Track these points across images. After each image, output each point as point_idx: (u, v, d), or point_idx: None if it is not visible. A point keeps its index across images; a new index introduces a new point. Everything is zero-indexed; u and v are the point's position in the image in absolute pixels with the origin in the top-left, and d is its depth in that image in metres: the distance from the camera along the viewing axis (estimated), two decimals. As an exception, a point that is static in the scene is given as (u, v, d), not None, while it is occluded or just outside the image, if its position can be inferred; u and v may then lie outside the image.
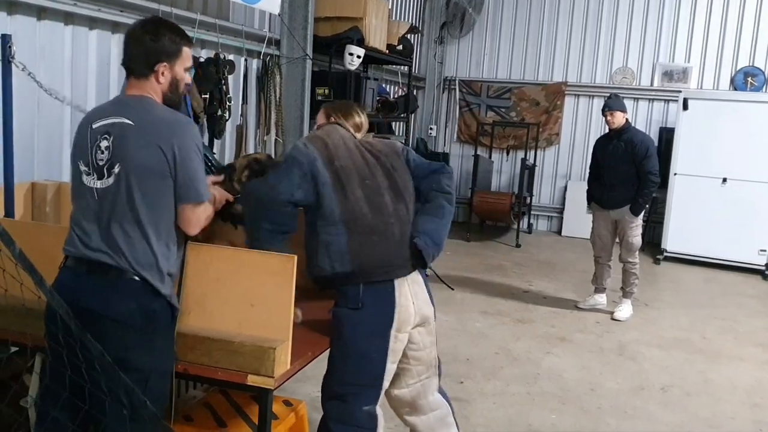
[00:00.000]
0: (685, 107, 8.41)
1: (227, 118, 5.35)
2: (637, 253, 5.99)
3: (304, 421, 3.06)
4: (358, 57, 6.35)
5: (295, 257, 2.36)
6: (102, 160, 2.23)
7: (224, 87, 5.20)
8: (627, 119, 5.92)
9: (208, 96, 5.02)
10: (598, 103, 9.12)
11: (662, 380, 4.69)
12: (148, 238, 2.22)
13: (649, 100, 9.83)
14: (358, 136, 2.88)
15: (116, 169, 2.21)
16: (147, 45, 2.28)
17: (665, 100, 9.66)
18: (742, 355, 5.30)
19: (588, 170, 6.37)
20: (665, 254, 8.65)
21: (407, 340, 2.68)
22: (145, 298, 2.21)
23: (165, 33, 2.30)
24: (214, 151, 5.38)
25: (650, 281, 7.75)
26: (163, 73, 2.29)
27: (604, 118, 5.93)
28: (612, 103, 5.86)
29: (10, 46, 3.22)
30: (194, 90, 4.85)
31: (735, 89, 9.26)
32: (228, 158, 5.74)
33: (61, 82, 4.07)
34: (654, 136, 9.74)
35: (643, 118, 9.82)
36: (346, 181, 2.63)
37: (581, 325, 5.84)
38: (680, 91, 8.75)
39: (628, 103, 9.74)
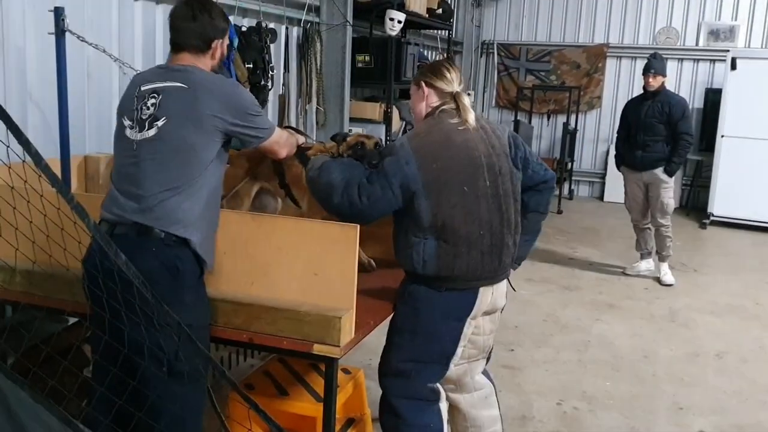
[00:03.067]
0: (734, 67, 8.15)
1: (270, 87, 5.34)
2: (669, 216, 5.88)
3: (363, 389, 3.07)
4: (399, 22, 6.25)
5: (357, 227, 2.34)
6: (147, 114, 2.30)
7: (267, 56, 5.17)
8: (664, 82, 5.82)
9: (251, 65, 4.99)
10: (641, 65, 8.85)
11: (717, 347, 4.61)
12: (181, 193, 2.26)
13: (694, 60, 9.55)
14: (452, 88, 2.61)
15: (160, 123, 2.28)
16: (206, 23, 2.40)
17: (711, 60, 9.37)
18: (798, 321, 5.19)
19: (616, 133, 6.26)
20: (711, 218, 8.46)
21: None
22: (169, 255, 2.24)
23: (217, 12, 2.46)
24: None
25: (697, 246, 7.61)
26: (217, 48, 2.45)
27: (644, 78, 5.80)
28: (658, 66, 5.74)
29: (63, 18, 3.23)
30: (238, 59, 4.83)
31: (787, 47, 8.94)
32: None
33: (109, 52, 4.08)
34: (699, 97, 9.51)
35: (687, 79, 9.56)
36: (442, 187, 2.49)
37: (629, 291, 5.76)
38: (728, 51, 8.48)
39: (672, 64, 9.58)
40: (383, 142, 2.88)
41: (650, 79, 5.73)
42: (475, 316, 2.61)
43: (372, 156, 2.66)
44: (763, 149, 8.11)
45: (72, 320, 3.56)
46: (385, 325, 2.67)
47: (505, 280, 2.71)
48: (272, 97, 5.62)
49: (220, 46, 2.47)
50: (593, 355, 4.39)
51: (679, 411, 3.69)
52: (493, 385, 2.90)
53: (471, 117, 2.58)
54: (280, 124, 5.82)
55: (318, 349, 2.30)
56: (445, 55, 8.49)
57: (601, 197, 9.99)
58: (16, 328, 3.29)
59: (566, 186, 9.90)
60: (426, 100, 2.65)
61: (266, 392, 2.82)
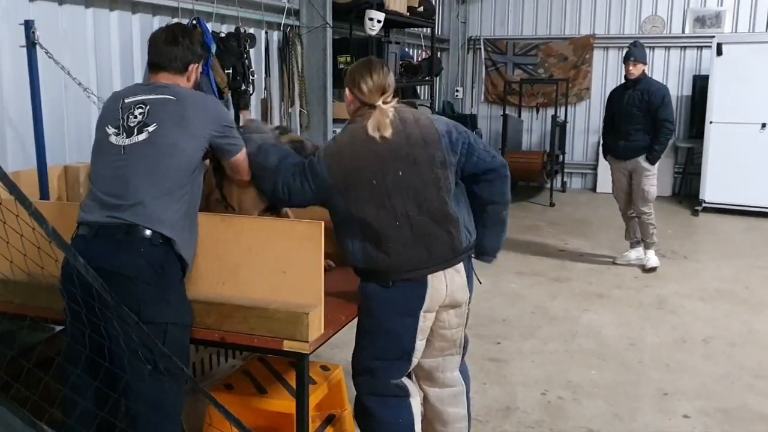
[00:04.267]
0: (719, 53, 8.16)
1: (251, 92, 5.34)
2: (652, 204, 5.91)
3: (342, 385, 3.09)
4: (379, 21, 6.27)
5: (322, 223, 2.36)
6: (135, 122, 2.40)
7: (247, 61, 5.19)
8: (644, 70, 5.84)
9: (231, 71, 5.01)
10: (629, 55, 8.92)
11: (705, 332, 4.62)
12: (169, 195, 2.34)
13: (681, 47, 9.56)
14: (374, 101, 2.60)
15: (150, 128, 2.38)
16: (186, 47, 2.59)
17: (698, 47, 9.38)
18: (787, 304, 5.20)
19: (602, 123, 6.29)
20: (703, 205, 8.47)
21: (435, 317, 2.65)
22: (154, 254, 2.29)
23: (197, 40, 2.70)
24: (240, 126, 5.38)
25: (689, 233, 7.62)
26: (193, 72, 2.63)
27: (625, 67, 5.84)
28: (638, 53, 5.77)
29: (33, 31, 3.25)
30: (217, 66, 4.85)
31: (774, 31, 8.94)
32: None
33: (85, 63, 4.11)
34: (687, 84, 9.52)
35: (675, 67, 9.58)
36: (351, 185, 2.54)
37: (619, 280, 5.77)
38: (713, 37, 8.47)
39: (659, 53, 9.61)
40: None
41: (630, 67, 5.76)
42: (430, 310, 2.59)
43: (306, 155, 2.72)
44: (752, 134, 8.12)
45: (55, 329, 3.59)
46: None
47: (463, 273, 2.64)
48: (255, 102, 5.64)
49: (195, 70, 2.65)
50: (580, 345, 4.41)
51: (663, 397, 3.70)
52: (467, 385, 2.90)
53: (377, 123, 2.57)
54: (264, 128, 5.85)
55: (288, 345, 2.32)
56: (429, 52, 8.49)
57: (593, 188, 10.01)
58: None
59: (559, 179, 9.92)
60: (350, 106, 2.72)
61: (245, 391, 2.84)
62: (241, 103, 5.20)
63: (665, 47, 9.60)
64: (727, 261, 6.38)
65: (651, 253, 6.03)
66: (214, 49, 4.80)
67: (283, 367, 3.02)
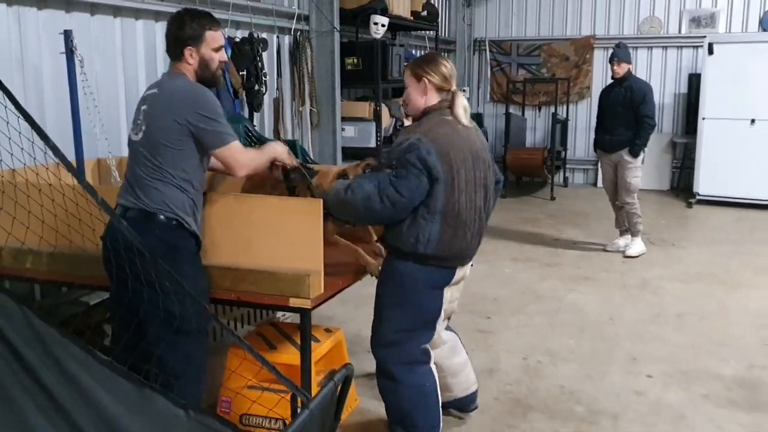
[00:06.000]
0: (711, 52, 8.51)
1: (264, 92, 5.82)
2: (635, 194, 6.31)
3: (342, 345, 3.54)
4: (383, 26, 6.72)
5: (321, 200, 2.80)
6: (139, 119, 2.71)
7: (259, 63, 5.66)
8: (629, 69, 6.23)
9: (245, 73, 5.48)
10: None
11: (679, 309, 5.03)
12: (166, 183, 2.63)
13: (678, 47, 9.92)
14: (451, 86, 2.92)
15: (144, 126, 2.68)
16: (174, 33, 2.70)
17: (694, 47, 9.73)
18: (760, 285, 5.57)
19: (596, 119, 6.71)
20: (697, 197, 8.83)
21: None
22: (168, 235, 2.61)
23: (187, 21, 2.69)
24: (254, 123, 5.86)
25: (681, 224, 7.99)
26: (191, 55, 2.68)
27: (610, 67, 6.25)
28: (621, 54, 6.18)
29: (71, 40, 3.73)
30: (232, 68, 5.33)
31: (764, 30, 9.27)
32: (267, 129, 6.23)
33: (114, 68, 4.59)
34: (683, 82, 9.87)
35: (672, 66, 9.93)
36: (455, 175, 2.78)
37: (607, 265, 6.17)
38: (705, 37, 8.83)
39: (657, 52, 9.99)
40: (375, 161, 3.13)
41: (615, 67, 6.18)
42: (452, 284, 3.00)
43: (387, 164, 2.86)
44: (742, 129, 8.47)
45: (93, 302, 4.09)
46: (356, 294, 3.11)
47: None
48: (267, 101, 6.10)
49: (194, 52, 2.68)
50: (562, 320, 4.83)
51: (632, 361, 4.12)
52: (457, 335, 3.35)
53: (465, 114, 2.90)
54: (276, 127, 6.33)
55: (293, 302, 2.77)
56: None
57: (595, 183, 10.37)
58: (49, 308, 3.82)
59: (561, 174, 10.32)
60: (426, 95, 2.91)
61: (258, 348, 3.26)
62: (254, 101, 5.68)
63: (663, 47, 9.97)
64: (711, 248, 6.76)
65: (637, 240, 6.42)
66: (229, 53, 5.28)
67: (292, 330, 3.47)
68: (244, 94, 5.55)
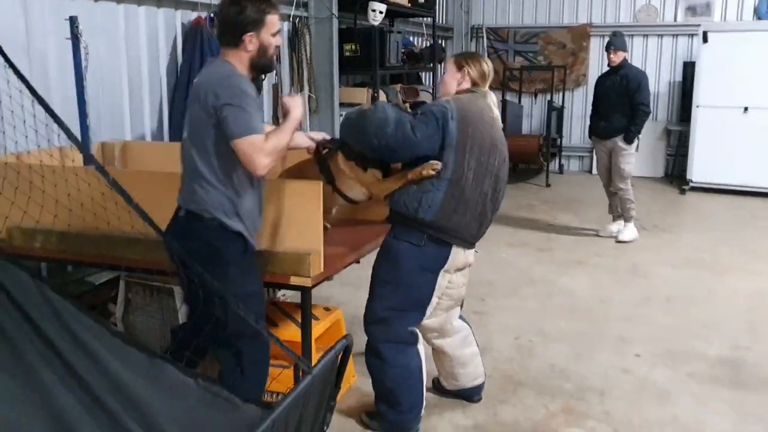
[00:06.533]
0: (705, 40, 8.61)
1: (263, 78, 5.90)
2: (629, 180, 6.44)
3: (341, 323, 3.67)
4: (381, 12, 6.80)
5: (321, 183, 2.92)
6: (186, 115, 2.67)
7: (260, 49, 5.74)
8: (625, 57, 6.34)
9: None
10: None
11: (668, 292, 5.16)
12: (203, 178, 2.58)
13: (674, 36, 10.01)
14: (485, 86, 3.12)
15: (187, 125, 2.65)
16: (233, 19, 2.53)
17: (689, 35, 9.81)
18: (749, 269, 5.71)
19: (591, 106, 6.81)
20: (691, 184, 8.95)
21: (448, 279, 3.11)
22: (211, 236, 2.58)
23: (247, 6, 2.53)
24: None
25: (675, 211, 8.13)
26: (251, 41, 2.55)
27: (607, 55, 6.35)
28: (618, 42, 6.28)
29: (77, 26, 3.82)
30: (233, 54, 5.41)
31: (759, 19, 9.35)
32: (267, 115, 6.32)
33: (117, 53, 4.68)
34: (679, 71, 9.97)
35: (668, 54, 10.02)
36: (468, 150, 2.88)
37: (599, 249, 6.30)
38: (699, 25, 8.92)
39: (653, 40, 10.07)
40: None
41: (611, 55, 6.29)
42: (449, 271, 3.07)
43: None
44: (735, 117, 8.58)
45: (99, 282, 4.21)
46: (356, 276, 3.24)
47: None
48: (267, 87, 6.20)
49: (254, 38, 2.54)
50: (555, 302, 4.96)
51: (620, 341, 4.26)
52: (469, 326, 3.45)
53: (494, 108, 3.10)
54: (275, 112, 6.42)
55: (294, 280, 2.90)
56: (431, 41, 8.99)
57: (590, 170, 10.47)
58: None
59: (557, 161, 10.43)
60: (460, 83, 3.09)
61: (259, 326, 3.42)
62: (255, 87, 5.75)
63: (658, 35, 10.06)
64: (702, 234, 6.90)
65: (630, 226, 6.55)
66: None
67: (291, 308, 3.60)
68: (244, 79, 5.62)
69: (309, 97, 6.74)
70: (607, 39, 10.19)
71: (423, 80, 9.64)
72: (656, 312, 4.78)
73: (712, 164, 8.77)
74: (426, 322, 3.19)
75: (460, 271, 3.16)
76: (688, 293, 5.15)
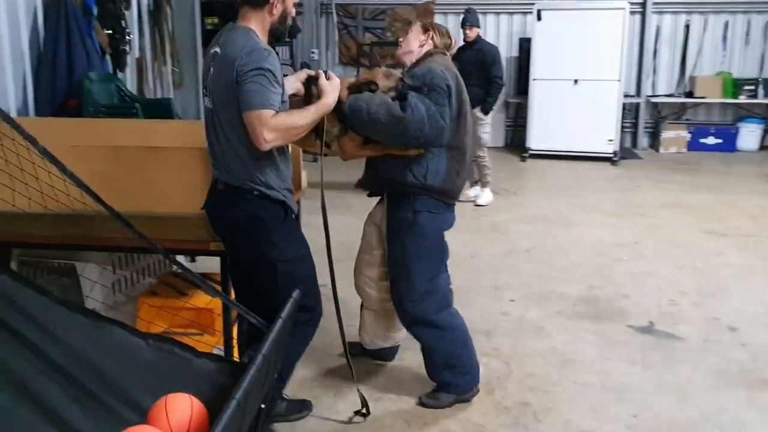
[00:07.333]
0: (539, 18, 9.42)
1: (128, 51, 5.75)
2: (485, 149, 7.03)
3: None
4: (243, -13, 6.80)
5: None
6: (208, 83, 2.62)
7: (123, 22, 5.58)
8: (479, 33, 6.89)
9: (111, 32, 5.39)
10: (465, 19, 9.99)
11: (527, 245, 5.76)
12: (237, 150, 2.57)
13: (510, 13, 10.80)
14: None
15: (210, 93, 2.60)
16: None
17: (523, 13, 10.63)
18: (588, 222, 6.48)
19: None
20: (530, 152, 9.80)
21: None
22: (250, 206, 2.61)
23: None
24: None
25: (518, 176, 8.88)
26: (276, 6, 2.56)
27: (462, 31, 6.83)
28: (472, 19, 6.77)
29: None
30: (98, 27, 5.23)
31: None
32: (131, 89, 6.15)
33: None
34: (515, 46, 10.79)
35: (505, 31, 10.80)
36: (464, 113, 3.00)
37: (462, 212, 6.57)
38: (534, 3, 9.73)
39: (491, 18, 10.80)
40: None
41: (467, 31, 6.76)
42: None
43: (411, 86, 2.92)
44: (567, 88, 9.48)
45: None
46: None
47: None
48: (130, 61, 6.02)
49: (281, 4, 2.54)
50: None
51: (495, 289, 4.75)
52: None
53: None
54: (140, 87, 6.26)
55: (213, 245, 2.99)
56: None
57: (439, 141, 11.10)
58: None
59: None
60: (422, 45, 3.17)
61: (169, 296, 3.47)
62: (120, 61, 5.60)
63: (496, 13, 10.81)
64: (546, 194, 7.66)
65: (486, 190, 7.14)
66: (95, 11, 5.17)
67: (195, 277, 3.66)
68: (110, 53, 5.46)
69: (172, 71, 6.64)
70: (450, 17, 11.06)
71: (280, 55, 9.69)
72: (520, 262, 5.33)
73: (548, 133, 9.65)
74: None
75: None
76: (543, 244, 5.77)
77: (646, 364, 3.73)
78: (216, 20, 6.90)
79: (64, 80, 4.73)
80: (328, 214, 2.96)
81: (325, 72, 2.77)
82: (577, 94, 9.45)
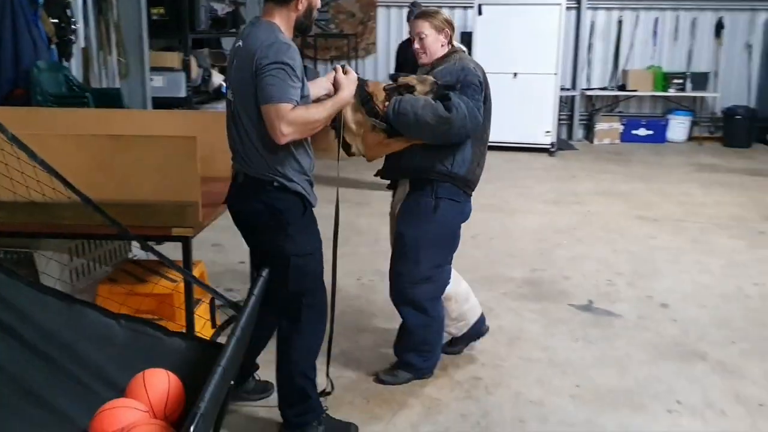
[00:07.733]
0: (480, 12, 9.67)
1: (74, 41, 5.69)
2: None
3: (205, 275, 3.89)
4: (187, -24, 6.79)
5: (196, 138, 3.08)
6: (230, 75, 2.68)
7: (69, 11, 5.52)
8: None
9: (57, 20, 5.33)
10: (408, 13, 10.16)
11: (473, 231, 5.95)
12: (256, 143, 2.61)
13: (451, 7, 11.03)
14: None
15: (231, 86, 2.66)
16: None
17: (464, 7, 10.89)
18: (531, 210, 6.77)
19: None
20: (473, 143, 10.05)
21: None
22: (270, 198, 2.66)
23: None
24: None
25: (462, 165, 9.12)
26: (301, 1, 2.59)
27: (409, 25, 6.95)
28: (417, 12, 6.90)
29: None
30: (45, 16, 5.16)
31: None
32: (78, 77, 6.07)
33: None
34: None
35: (447, 24, 11.01)
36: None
37: (409, 201, 6.98)
38: (475, -1, 9.99)
39: (434, 12, 10.98)
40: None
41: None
42: None
43: (445, 85, 3.05)
44: (507, 81, 9.75)
45: None
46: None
47: None
48: (76, 51, 5.95)
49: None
50: (382, 246, 5.45)
51: (445, 273, 4.93)
52: None
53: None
54: (86, 76, 6.19)
55: (176, 231, 3.05)
56: (233, 6, 9.02)
57: (383, 133, 11.26)
58: None
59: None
60: (444, 46, 3.26)
61: (128, 283, 3.51)
62: (66, 51, 5.54)
63: (438, 7, 10.96)
64: (490, 184, 7.85)
65: None
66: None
67: (154, 265, 3.71)
68: (56, 43, 5.39)
69: (118, 61, 6.58)
70: (392, 10, 11.23)
71: (222, 45, 9.65)
72: (468, 247, 5.50)
73: (490, 125, 9.89)
74: None
75: None
76: (488, 231, 6.00)
77: (586, 339, 3.98)
78: (162, 10, 6.85)
79: (11, 69, 4.67)
80: (328, 209, 3.14)
81: (343, 66, 2.86)
82: (516, 87, 9.75)
